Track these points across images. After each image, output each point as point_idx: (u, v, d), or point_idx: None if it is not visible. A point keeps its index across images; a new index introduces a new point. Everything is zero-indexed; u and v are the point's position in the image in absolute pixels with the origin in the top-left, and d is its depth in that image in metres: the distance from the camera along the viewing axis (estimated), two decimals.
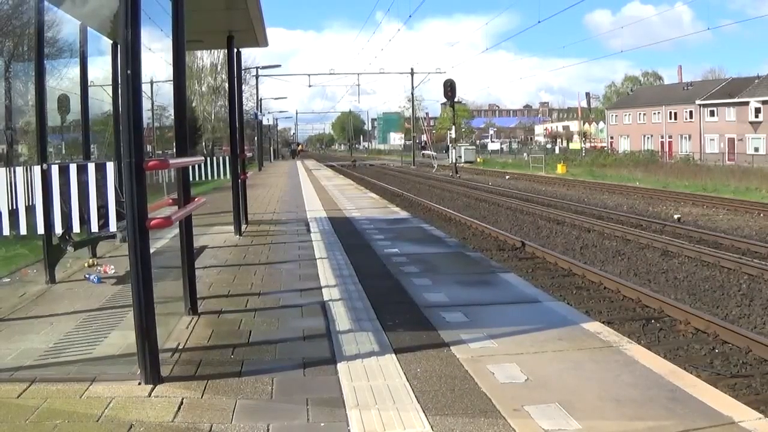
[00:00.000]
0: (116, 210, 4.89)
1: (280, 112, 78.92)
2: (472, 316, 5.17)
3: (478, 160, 67.71)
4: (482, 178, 41.01)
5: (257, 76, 56.19)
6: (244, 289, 6.32)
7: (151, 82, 11.24)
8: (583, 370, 3.96)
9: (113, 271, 6.88)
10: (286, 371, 4.00)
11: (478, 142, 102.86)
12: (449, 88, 45.52)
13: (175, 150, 5.13)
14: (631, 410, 3.35)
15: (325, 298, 5.84)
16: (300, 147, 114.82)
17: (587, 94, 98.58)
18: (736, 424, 3.18)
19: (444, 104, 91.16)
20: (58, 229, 5.73)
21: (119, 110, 5.92)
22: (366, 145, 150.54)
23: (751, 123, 58.92)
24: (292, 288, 6.37)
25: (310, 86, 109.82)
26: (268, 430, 3.23)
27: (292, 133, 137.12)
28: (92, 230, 5.42)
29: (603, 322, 5.72)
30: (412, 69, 63.63)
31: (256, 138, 54.29)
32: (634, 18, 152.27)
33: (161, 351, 3.95)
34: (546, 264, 11.96)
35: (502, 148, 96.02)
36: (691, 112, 66.64)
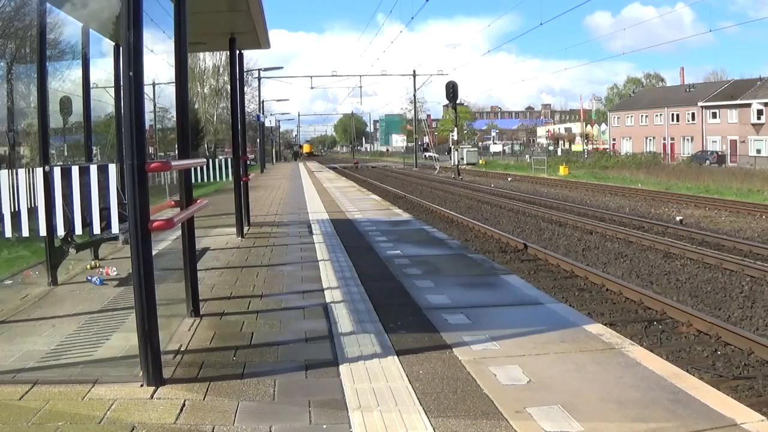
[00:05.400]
0: (118, 212, 4.90)
1: (282, 114, 78.89)
2: (474, 318, 5.17)
3: (481, 162, 67.77)
4: (484, 180, 41.02)
5: (259, 78, 56.31)
6: (246, 291, 6.32)
7: (153, 84, 11.26)
8: (585, 371, 3.95)
9: (115, 273, 6.88)
10: (288, 373, 4.00)
11: (480, 144, 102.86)
12: (451, 90, 45.53)
13: (177, 152, 5.13)
14: (634, 412, 3.35)
15: (327, 300, 5.84)
16: (307, 148, 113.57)
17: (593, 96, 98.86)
18: (738, 426, 3.18)
19: (446, 106, 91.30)
20: (61, 231, 5.75)
21: (121, 112, 5.94)
22: (368, 147, 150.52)
23: (753, 125, 58.90)
24: (295, 290, 6.37)
25: (312, 88, 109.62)
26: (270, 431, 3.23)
27: (294, 135, 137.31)
28: (94, 232, 5.43)
29: (605, 324, 5.72)
30: (414, 71, 63.80)
31: (258, 140, 54.34)
32: (635, 20, 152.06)
33: (163, 353, 3.95)
34: (548, 266, 11.95)
35: (504, 150, 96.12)
36: (693, 114, 66.66)
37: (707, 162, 52.74)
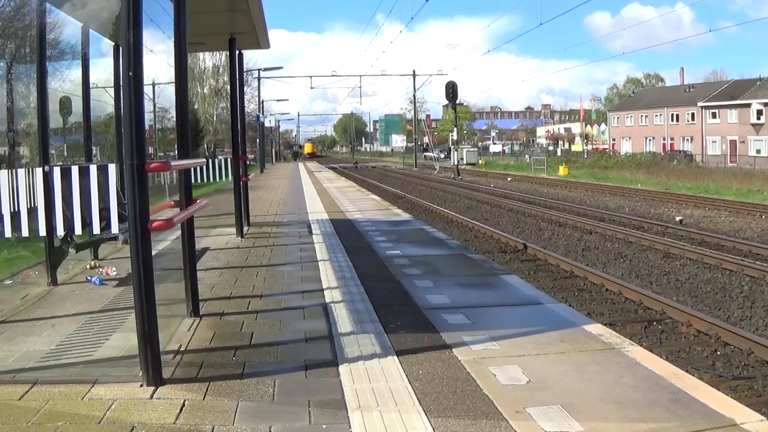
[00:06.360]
0: (118, 212, 4.90)
1: (282, 114, 78.90)
2: (474, 318, 5.17)
3: (480, 162, 67.77)
4: (484, 180, 41.02)
5: (259, 78, 56.30)
6: (246, 291, 6.32)
7: (153, 84, 11.25)
8: (584, 371, 3.95)
9: (115, 273, 6.88)
10: (287, 373, 4.00)
11: (479, 144, 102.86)
12: (451, 90, 45.52)
13: (176, 152, 5.13)
14: (633, 412, 3.35)
15: (327, 300, 5.84)
16: (309, 148, 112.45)
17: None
18: (737, 426, 3.18)
19: (446, 106, 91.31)
20: (60, 231, 5.75)
21: (121, 112, 5.94)
22: (368, 147, 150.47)
23: (752, 125, 58.91)
24: (294, 290, 6.37)
25: (312, 88, 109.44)
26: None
27: (294, 135, 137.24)
28: (94, 232, 5.43)
29: (605, 324, 5.72)
30: (413, 71, 63.77)
31: (258, 140, 54.32)
32: (634, 20, 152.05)
33: (163, 353, 3.95)
34: (548, 266, 11.95)
35: (503, 150, 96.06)
36: (692, 114, 66.66)
37: (675, 161, 54.82)
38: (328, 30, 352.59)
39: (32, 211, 5.18)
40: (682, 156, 58.92)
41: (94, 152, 8.34)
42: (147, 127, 3.93)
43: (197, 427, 3.26)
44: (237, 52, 10.38)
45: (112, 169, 4.94)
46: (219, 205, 12.78)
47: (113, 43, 7.92)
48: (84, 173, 5.07)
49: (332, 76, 65.42)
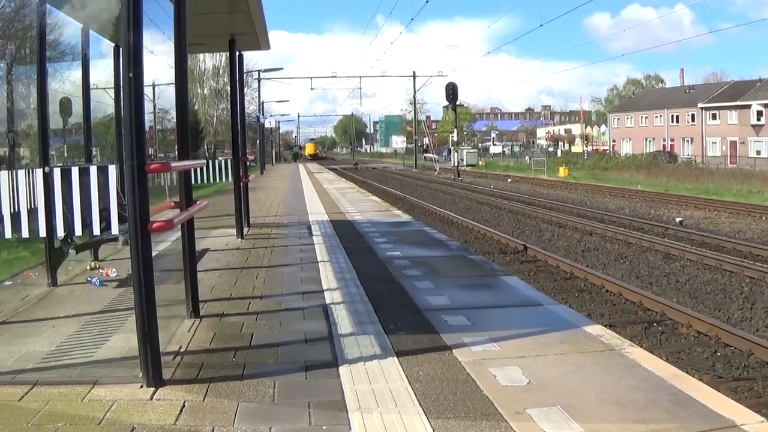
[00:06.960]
0: (118, 213, 4.91)
1: (282, 115, 78.99)
2: (474, 319, 5.17)
3: (480, 163, 67.80)
4: (484, 182, 41.03)
5: (259, 79, 56.28)
6: (246, 292, 6.32)
7: (153, 85, 11.27)
8: (585, 373, 3.95)
9: (115, 274, 6.88)
10: (288, 374, 4.00)
11: (480, 145, 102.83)
12: (451, 91, 45.54)
13: (177, 153, 5.13)
14: (633, 413, 3.35)
15: (327, 301, 5.84)
16: (311, 148, 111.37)
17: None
18: (738, 427, 3.18)
19: (446, 107, 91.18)
20: (60, 232, 5.75)
21: (121, 113, 5.94)
22: (368, 148, 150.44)
23: (753, 126, 58.91)
24: (294, 291, 6.37)
25: (312, 89, 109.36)
26: None
27: (294, 136, 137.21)
28: (94, 233, 5.43)
29: (605, 326, 5.72)
30: (413, 72, 63.75)
31: (258, 141, 54.35)
32: (634, 21, 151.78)
33: (163, 354, 3.95)
34: (548, 267, 11.95)
35: (504, 151, 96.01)
36: (693, 115, 66.64)
37: (661, 161, 56.18)
38: (327, 31, 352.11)
39: (32, 212, 5.19)
40: (666, 156, 61.00)
41: (94, 153, 8.34)
42: (147, 128, 3.94)
43: (197, 428, 3.26)
44: (237, 53, 10.38)
45: (112, 170, 4.95)
46: (219, 206, 12.78)
47: (113, 44, 7.91)
48: (84, 174, 5.08)
49: (332, 77, 65.18)
